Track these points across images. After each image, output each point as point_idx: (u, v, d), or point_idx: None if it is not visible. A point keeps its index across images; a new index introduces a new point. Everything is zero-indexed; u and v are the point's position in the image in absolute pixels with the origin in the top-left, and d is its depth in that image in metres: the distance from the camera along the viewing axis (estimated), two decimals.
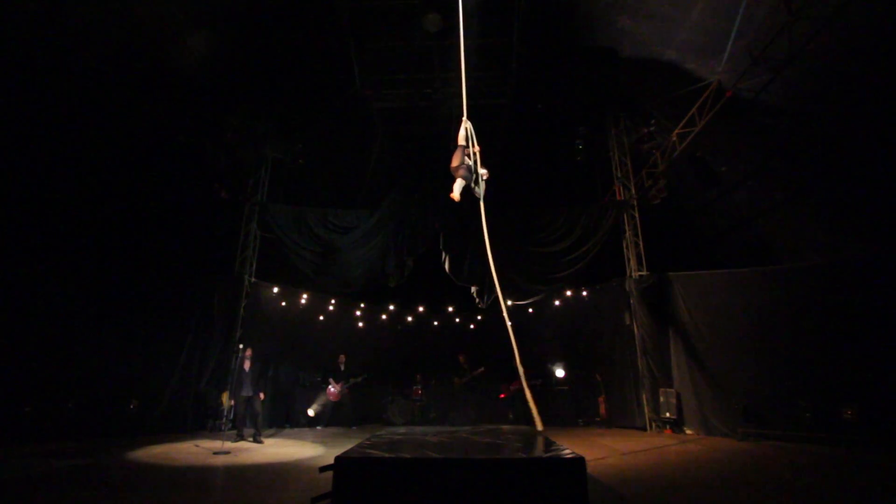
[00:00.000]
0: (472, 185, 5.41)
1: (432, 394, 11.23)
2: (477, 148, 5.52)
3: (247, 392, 8.32)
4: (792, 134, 7.99)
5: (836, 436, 7.04)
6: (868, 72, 6.64)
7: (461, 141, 5.56)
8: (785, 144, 8.25)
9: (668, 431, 8.76)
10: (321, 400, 10.30)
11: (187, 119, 9.11)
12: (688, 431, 8.66)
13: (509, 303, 11.67)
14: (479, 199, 5.52)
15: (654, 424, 9.02)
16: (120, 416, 8.46)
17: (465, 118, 5.59)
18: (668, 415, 8.88)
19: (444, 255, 10.24)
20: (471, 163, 5.46)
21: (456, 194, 5.48)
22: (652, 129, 9.59)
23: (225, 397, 8.94)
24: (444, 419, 9.83)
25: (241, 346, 8.64)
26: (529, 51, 8.73)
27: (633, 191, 10.33)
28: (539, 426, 5.09)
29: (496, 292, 5.62)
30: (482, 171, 5.54)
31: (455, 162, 5.44)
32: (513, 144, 10.75)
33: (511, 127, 10.32)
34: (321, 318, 11.66)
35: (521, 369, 5.19)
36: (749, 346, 8.29)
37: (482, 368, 10.97)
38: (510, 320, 5.55)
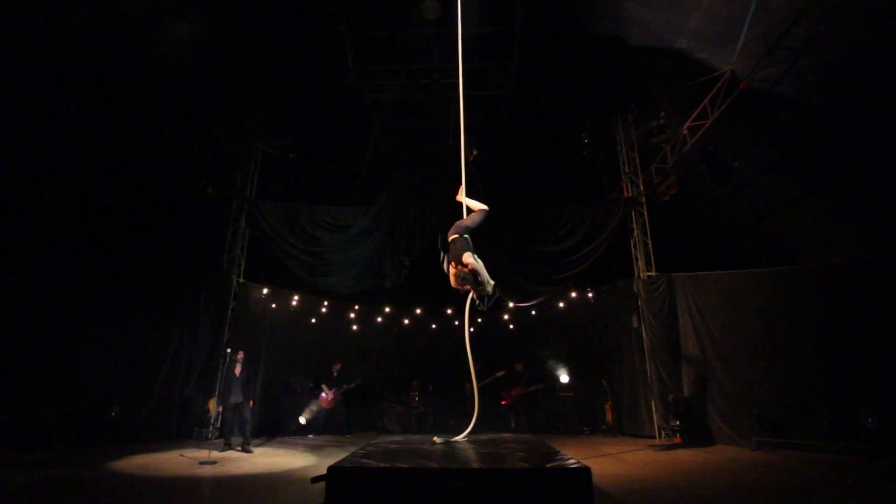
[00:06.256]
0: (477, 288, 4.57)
1: (430, 401, 11.05)
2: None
3: (236, 398, 8.06)
4: (809, 127, 7.78)
5: (855, 445, 6.92)
6: (890, 61, 6.37)
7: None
8: (802, 138, 8.04)
9: (678, 440, 8.50)
10: (313, 407, 10.10)
11: (172, 111, 8.87)
12: (699, 440, 8.41)
13: (511, 304, 11.48)
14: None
15: (663, 433, 8.81)
16: (101, 423, 8.29)
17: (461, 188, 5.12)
18: (677, 422, 8.64)
19: (442, 255, 10.02)
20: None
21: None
22: (661, 121, 9.36)
23: (212, 404, 8.69)
24: (444, 427, 9.64)
25: (228, 350, 8.39)
26: (532, 39, 8.52)
27: (642, 187, 10.11)
28: None
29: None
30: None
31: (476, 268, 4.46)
32: (515, 138, 10.60)
33: (513, 120, 10.16)
34: (313, 320, 11.39)
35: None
36: (764, 350, 8.15)
37: (502, 371, 10.80)
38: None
